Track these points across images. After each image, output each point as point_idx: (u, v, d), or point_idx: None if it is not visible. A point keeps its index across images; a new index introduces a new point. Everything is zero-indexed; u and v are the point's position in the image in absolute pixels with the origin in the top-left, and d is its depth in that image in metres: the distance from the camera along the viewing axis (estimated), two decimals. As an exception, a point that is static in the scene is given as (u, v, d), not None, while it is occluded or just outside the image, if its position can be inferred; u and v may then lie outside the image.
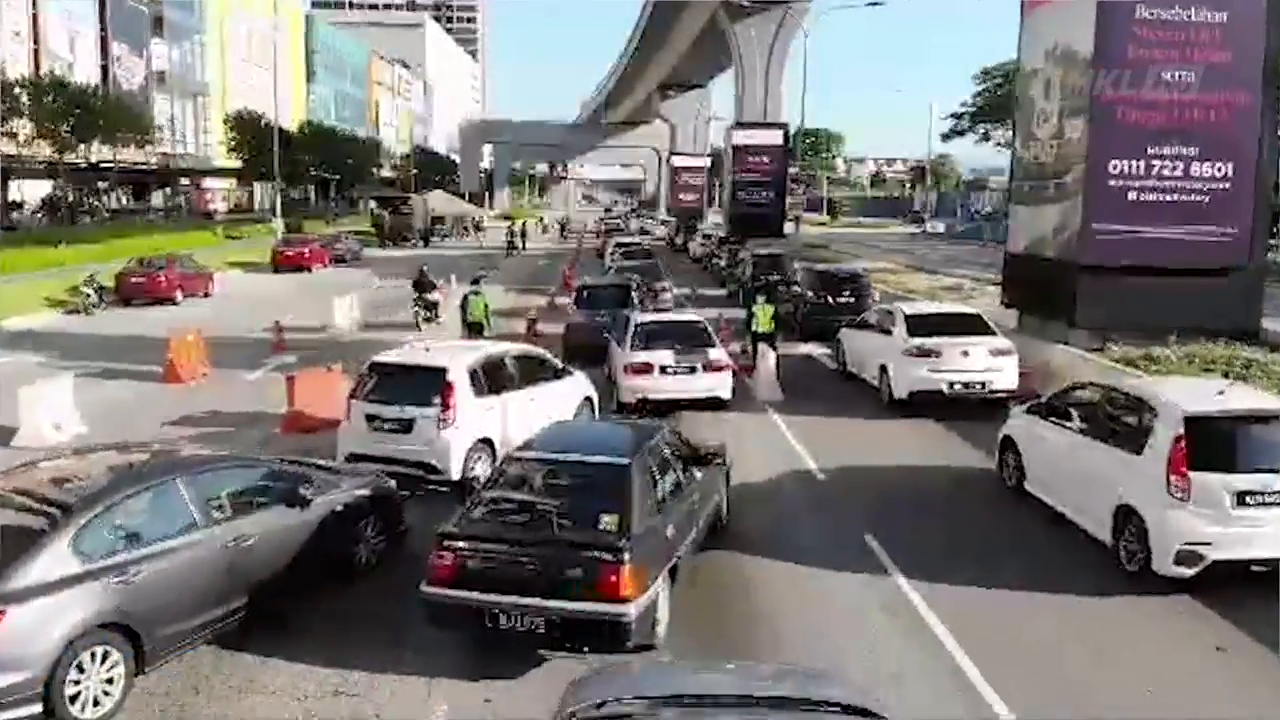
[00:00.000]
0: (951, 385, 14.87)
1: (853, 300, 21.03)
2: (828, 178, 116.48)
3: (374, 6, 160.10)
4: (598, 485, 7.62)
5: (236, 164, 68.64)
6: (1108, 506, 9.11)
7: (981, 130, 71.20)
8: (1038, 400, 11.68)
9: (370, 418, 11.03)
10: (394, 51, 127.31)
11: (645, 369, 14.70)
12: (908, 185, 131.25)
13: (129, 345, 20.85)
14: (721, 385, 14.96)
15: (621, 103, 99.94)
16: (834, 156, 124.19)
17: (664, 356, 14.80)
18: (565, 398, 12.78)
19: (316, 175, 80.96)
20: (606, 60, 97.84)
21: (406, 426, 10.87)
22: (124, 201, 63.53)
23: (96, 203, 58.56)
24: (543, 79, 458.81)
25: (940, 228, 78.45)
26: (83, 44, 56.28)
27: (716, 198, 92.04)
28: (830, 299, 21.76)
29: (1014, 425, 11.52)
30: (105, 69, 58.32)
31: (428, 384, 10.97)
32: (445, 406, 10.76)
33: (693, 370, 14.87)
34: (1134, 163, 16.55)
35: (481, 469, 10.88)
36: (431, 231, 58.88)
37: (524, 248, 52.77)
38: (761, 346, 17.23)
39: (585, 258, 45.60)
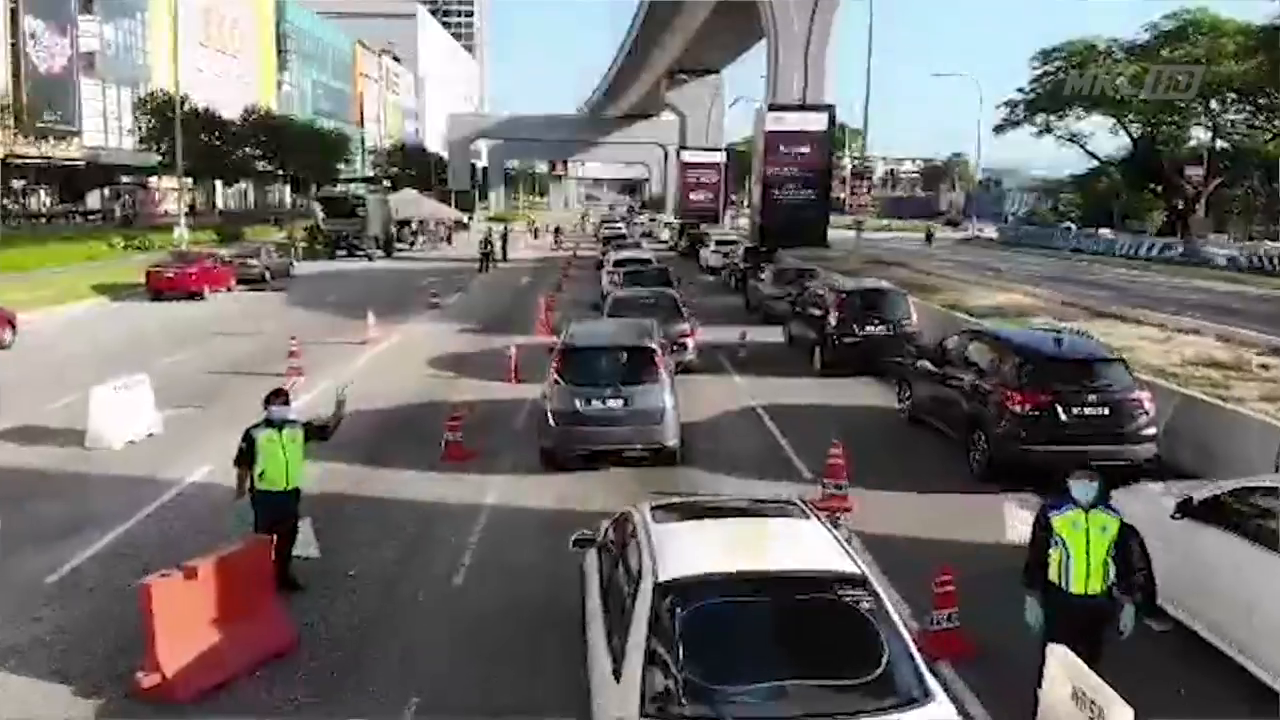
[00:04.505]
0: None
1: (1106, 414, 10.34)
2: (842, 178, 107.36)
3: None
4: None
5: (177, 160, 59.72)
6: None
7: (1041, 121, 61.15)
8: None
9: None
10: (383, 43, 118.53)
11: None
12: (920, 185, 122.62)
13: None
14: None
15: (625, 93, 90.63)
16: (849, 155, 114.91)
17: None
18: None
19: (268, 172, 71.62)
20: (610, 57, 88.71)
21: None
22: (48, 203, 54.80)
23: (12, 204, 49.82)
24: (543, 77, 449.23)
25: (991, 232, 69.44)
26: (-15, 18, 47.81)
27: (725, 197, 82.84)
28: (1068, 412, 10.43)
29: None
30: (15, 48, 49.74)
31: None
32: None
33: None
34: None
35: None
36: (398, 238, 49.15)
37: (505, 258, 43.39)
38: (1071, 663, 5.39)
39: (578, 271, 36.34)
